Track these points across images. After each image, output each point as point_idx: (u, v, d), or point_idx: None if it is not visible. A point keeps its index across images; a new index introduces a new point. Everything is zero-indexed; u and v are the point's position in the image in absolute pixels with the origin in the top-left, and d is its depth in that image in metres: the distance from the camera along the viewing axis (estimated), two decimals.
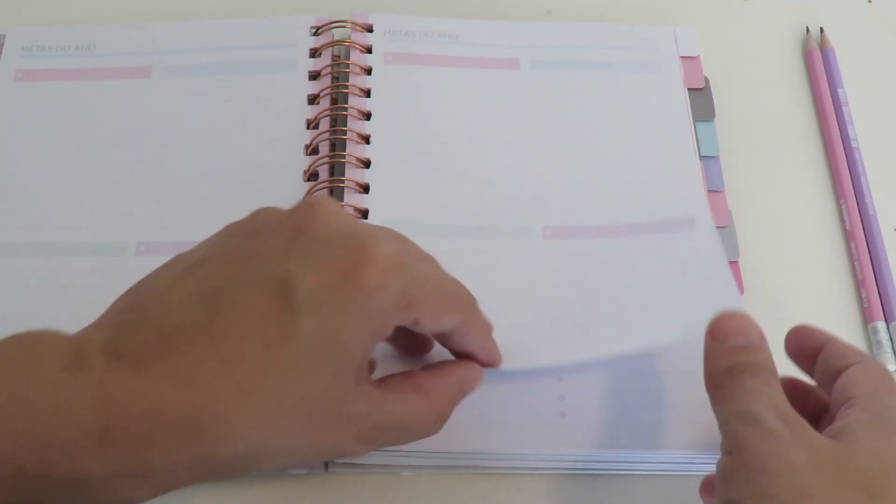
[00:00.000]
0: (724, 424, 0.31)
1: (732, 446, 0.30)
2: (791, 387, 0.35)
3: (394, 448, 0.37)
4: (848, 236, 0.47)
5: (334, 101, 0.48)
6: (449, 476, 0.39)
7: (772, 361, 0.32)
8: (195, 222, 0.42)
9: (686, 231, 0.44)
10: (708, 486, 0.37)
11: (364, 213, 0.44)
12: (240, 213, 0.34)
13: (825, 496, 0.28)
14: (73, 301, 0.42)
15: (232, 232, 0.33)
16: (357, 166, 0.45)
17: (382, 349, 0.38)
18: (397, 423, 0.33)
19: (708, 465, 0.39)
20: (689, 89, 0.49)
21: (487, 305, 0.36)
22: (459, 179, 0.46)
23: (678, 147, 0.47)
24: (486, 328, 0.36)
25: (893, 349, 0.44)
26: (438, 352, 0.37)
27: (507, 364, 0.37)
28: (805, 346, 0.35)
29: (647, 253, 0.43)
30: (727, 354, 0.32)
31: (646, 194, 0.45)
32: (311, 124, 0.47)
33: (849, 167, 0.49)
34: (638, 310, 0.41)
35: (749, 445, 0.29)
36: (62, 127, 0.47)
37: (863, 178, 0.48)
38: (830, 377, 0.33)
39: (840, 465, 0.29)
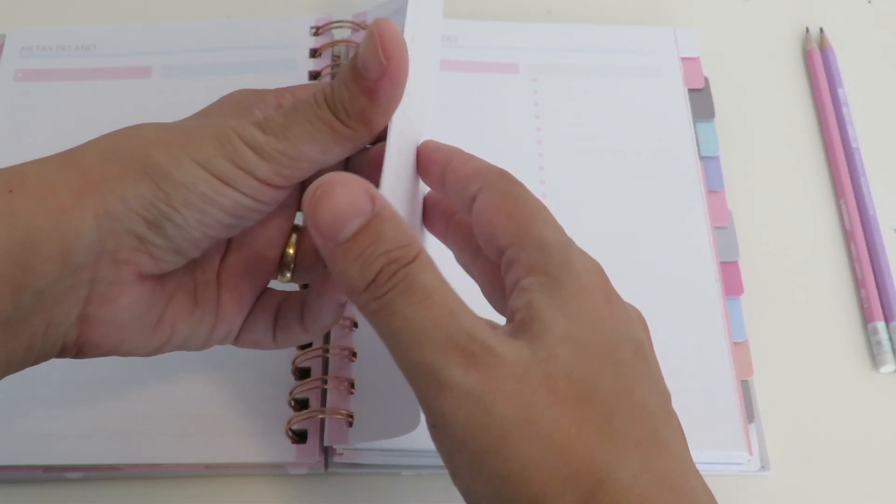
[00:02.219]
0: (409, 380, 0.25)
1: (434, 419, 0.25)
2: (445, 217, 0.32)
3: (394, 448, 0.37)
4: (848, 236, 0.47)
5: None
6: (449, 476, 0.39)
7: (417, 247, 0.25)
8: None
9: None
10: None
11: None
12: None
13: (544, 428, 0.24)
14: None
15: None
16: None
17: None
18: None
19: (702, 464, 0.39)
20: (689, 89, 0.49)
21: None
22: None
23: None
24: None
25: (893, 349, 0.44)
26: None
27: None
28: (431, 167, 0.31)
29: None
30: (359, 263, 0.25)
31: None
32: None
33: (849, 167, 0.49)
34: None
35: (449, 418, 0.24)
36: (62, 127, 0.47)
37: (862, 179, 0.48)
38: (466, 204, 0.29)
39: (545, 378, 0.24)
